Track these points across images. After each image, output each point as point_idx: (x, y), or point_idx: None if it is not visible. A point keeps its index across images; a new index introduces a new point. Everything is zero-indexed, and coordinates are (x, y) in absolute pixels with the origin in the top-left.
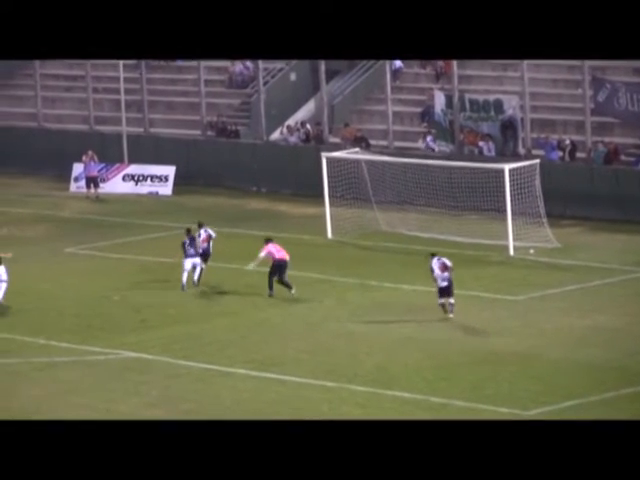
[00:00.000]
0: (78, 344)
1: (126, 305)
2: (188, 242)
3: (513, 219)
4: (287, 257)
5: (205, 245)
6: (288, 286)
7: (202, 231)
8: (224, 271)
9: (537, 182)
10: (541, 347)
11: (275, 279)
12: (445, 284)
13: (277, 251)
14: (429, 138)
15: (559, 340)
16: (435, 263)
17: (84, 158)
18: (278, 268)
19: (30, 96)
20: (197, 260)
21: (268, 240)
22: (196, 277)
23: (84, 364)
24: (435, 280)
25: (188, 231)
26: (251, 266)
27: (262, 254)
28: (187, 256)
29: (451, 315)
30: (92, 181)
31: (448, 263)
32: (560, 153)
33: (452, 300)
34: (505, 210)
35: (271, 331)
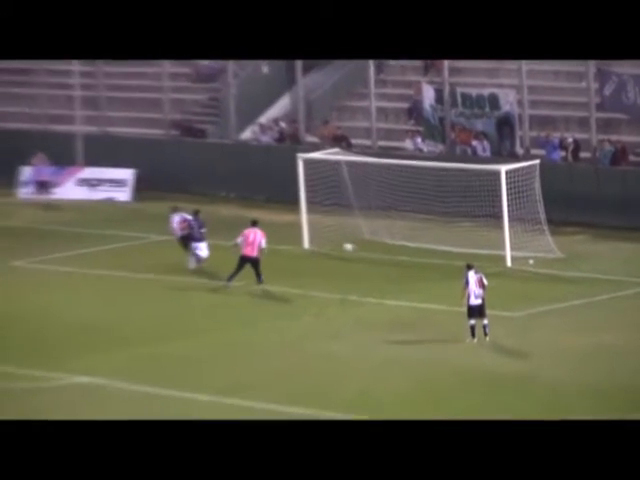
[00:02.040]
0: (24, 368)
1: (80, 324)
2: (195, 224)
3: (510, 226)
4: (255, 253)
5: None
6: (258, 276)
7: (177, 216)
8: (190, 285)
9: (537, 185)
10: (540, 368)
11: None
12: (479, 302)
13: (248, 243)
14: (417, 137)
15: (560, 360)
16: (472, 276)
17: (33, 161)
18: (243, 263)
19: None
20: (202, 245)
21: (254, 223)
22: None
23: (29, 391)
24: (467, 296)
25: (196, 213)
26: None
27: (238, 239)
28: (194, 239)
29: (487, 338)
30: (42, 186)
31: (485, 280)
32: (562, 153)
33: (486, 321)
34: (501, 216)
35: (241, 352)
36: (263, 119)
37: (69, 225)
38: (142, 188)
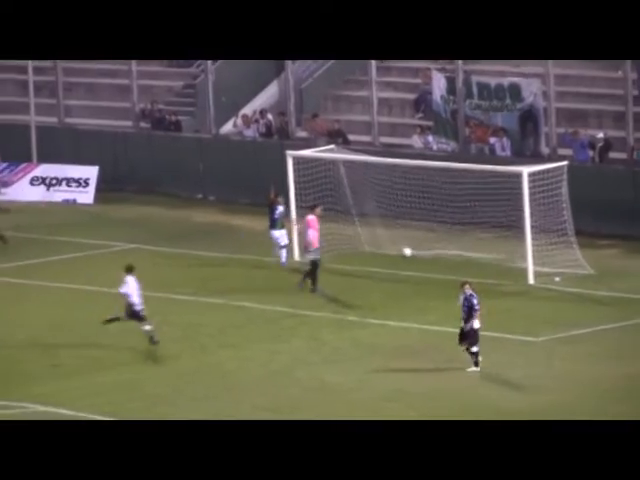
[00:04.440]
0: None
1: (35, 346)
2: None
3: (533, 238)
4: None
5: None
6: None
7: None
8: (164, 303)
9: (564, 190)
10: (565, 403)
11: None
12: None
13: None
14: (425, 133)
15: (589, 394)
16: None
17: None
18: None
19: None
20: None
21: (314, 207)
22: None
23: None
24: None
25: (276, 195)
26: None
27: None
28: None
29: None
30: None
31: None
32: (592, 153)
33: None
34: (523, 226)
35: (221, 381)
36: (247, 110)
37: (20, 230)
38: (106, 188)
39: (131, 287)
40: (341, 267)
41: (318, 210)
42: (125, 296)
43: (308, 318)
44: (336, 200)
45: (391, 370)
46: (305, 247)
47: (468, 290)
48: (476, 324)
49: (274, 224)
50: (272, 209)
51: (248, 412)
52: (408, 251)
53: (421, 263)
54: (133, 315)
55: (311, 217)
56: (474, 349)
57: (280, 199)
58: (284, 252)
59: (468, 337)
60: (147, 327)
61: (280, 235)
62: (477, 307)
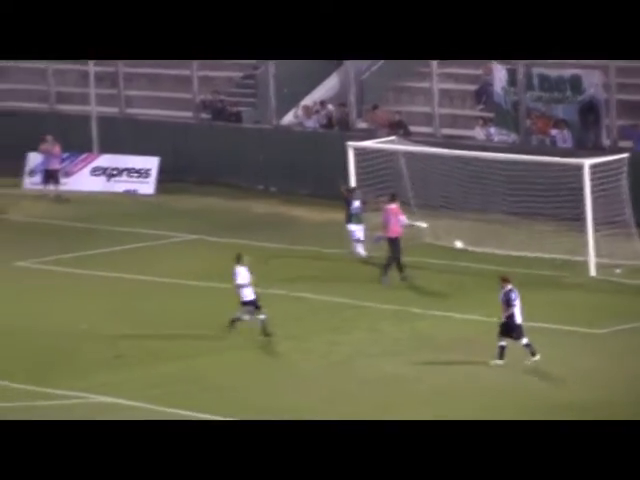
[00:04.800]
0: (33, 385)
1: (96, 336)
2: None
3: (595, 229)
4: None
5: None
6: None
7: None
8: (224, 294)
9: (625, 182)
10: (629, 399)
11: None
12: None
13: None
14: (487, 125)
15: None
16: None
17: (42, 146)
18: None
19: None
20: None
21: (393, 196)
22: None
23: (41, 410)
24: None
25: (349, 190)
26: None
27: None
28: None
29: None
30: (51, 176)
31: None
32: None
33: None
34: (584, 218)
35: (282, 372)
36: (308, 101)
37: (81, 221)
38: (167, 179)
39: (243, 277)
40: (401, 258)
41: (395, 199)
42: (238, 287)
43: (367, 309)
44: (396, 191)
45: (450, 362)
46: (383, 236)
47: (507, 285)
48: (517, 318)
49: (351, 218)
50: (348, 203)
51: (306, 403)
52: (459, 244)
53: (481, 255)
54: (249, 305)
55: (392, 206)
56: (523, 341)
57: (356, 193)
58: (361, 246)
59: (512, 330)
60: (262, 317)
61: (356, 229)
62: (514, 302)
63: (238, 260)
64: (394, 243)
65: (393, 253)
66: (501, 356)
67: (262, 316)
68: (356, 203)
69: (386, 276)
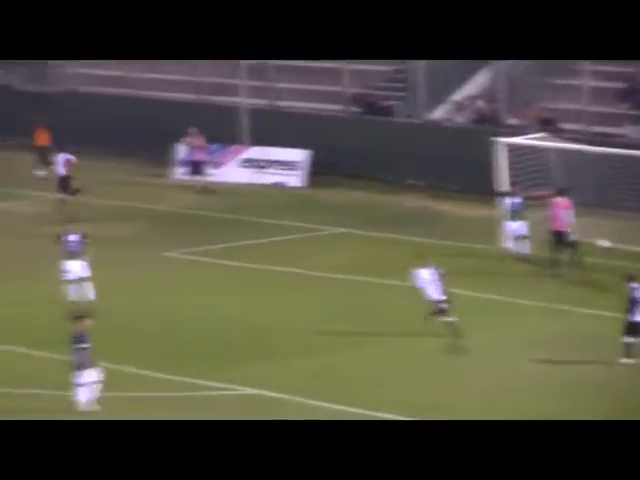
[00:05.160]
0: (179, 376)
1: (246, 327)
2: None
3: None
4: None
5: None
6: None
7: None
8: (373, 287)
9: None
10: None
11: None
12: None
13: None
14: (637, 123)
15: None
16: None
17: (189, 137)
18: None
19: None
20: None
21: (560, 191)
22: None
23: (186, 401)
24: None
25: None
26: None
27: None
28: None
29: None
30: (197, 167)
31: None
32: None
33: None
34: None
35: (433, 366)
36: (457, 96)
37: (229, 212)
38: (316, 172)
39: (425, 279)
40: (556, 255)
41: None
42: (423, 290)
43: (516, 306)
44: (545, 188)
45: (604, 362)
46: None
47: (634, 284)
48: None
49: (510, 215)
50: (505, 199)
51: (461, 396)
52: (606, 242)
53: (632, 254)
54: (438, 310)
55: (559, 200)
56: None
57: (515, 189)
58: (524, 243)
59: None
60: (451, 319)
61: (518, 227)
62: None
63: (420, 264)
64: (561, 237)
65: (558, 247)
66: (629, 354)
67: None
68: (516, 199)
69: (557, 268)
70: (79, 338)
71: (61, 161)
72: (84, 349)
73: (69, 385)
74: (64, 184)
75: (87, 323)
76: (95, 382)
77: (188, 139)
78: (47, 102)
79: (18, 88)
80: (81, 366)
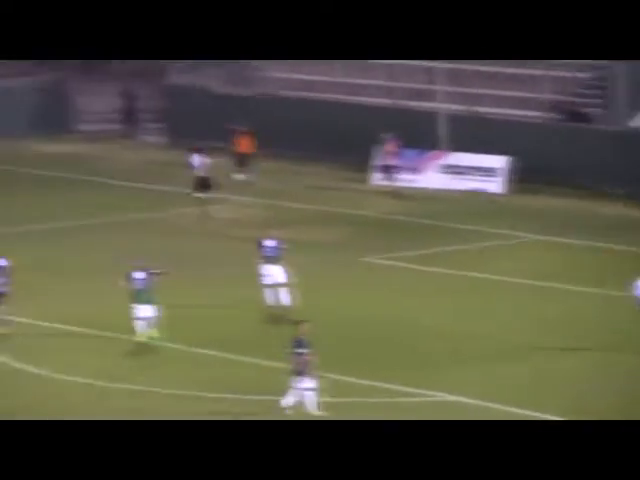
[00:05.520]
0: (378, 381)
1: (440, 333)
2: None
3: None
4: None
5: None
6: None
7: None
8: (576, 296)
9: None
10: None
11: None
12: None
13: None
14: None
15: None
16: None
17: (386, 143)
18: None
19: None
20: None
21: None
22: None
23: (387, 407)
24: None
25: None
26: None
27: None
28: None
29: None
30: (387, 171)
31: None
32: None
33: None
34: None
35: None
36: None
37: (427, 217)
38: (516, 179)
39: None
40: None
41: None
42: None
43: None
44: None
45: None
46: None
47: None
48: None
49: None
50: None
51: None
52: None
53: None
54: None
55: None
56: None
57: None
58: None
59: None
60: None
61: None
62: None
63: None
64: None
65: None
66: None
67: None
68: None
69: None
70: (297, 342)
71: (197, 162)
72: (300, 354)
73: (277, 390)
74: (203, 184)
75: (305, 327)
76: (311, 388)
77: (388, 145)
78: (246, 105)
79: (215, 91)
80: (298, 372)
